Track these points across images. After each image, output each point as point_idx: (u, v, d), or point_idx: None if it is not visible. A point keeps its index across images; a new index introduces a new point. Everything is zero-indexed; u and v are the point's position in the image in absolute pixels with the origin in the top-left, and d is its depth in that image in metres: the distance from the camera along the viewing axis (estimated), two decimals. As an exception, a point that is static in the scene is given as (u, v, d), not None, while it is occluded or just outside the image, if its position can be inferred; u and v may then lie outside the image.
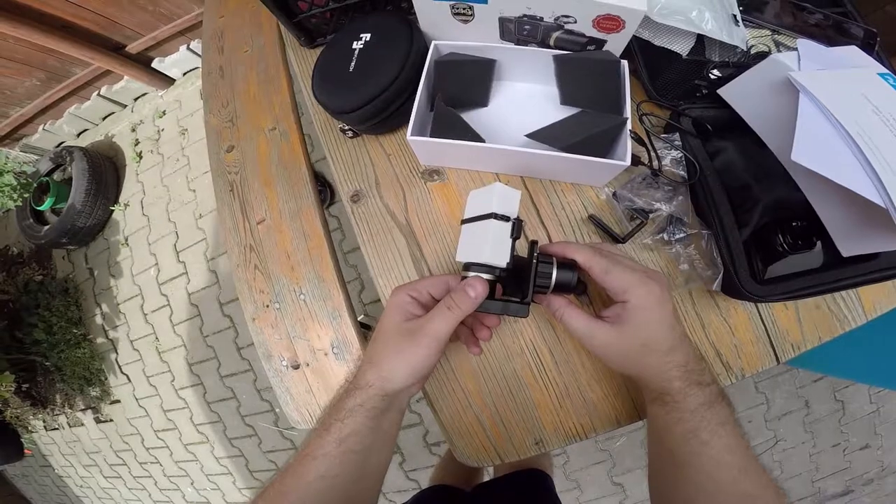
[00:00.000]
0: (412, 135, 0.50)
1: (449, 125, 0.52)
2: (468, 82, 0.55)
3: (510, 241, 0.40)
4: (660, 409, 0.39)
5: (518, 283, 0.43)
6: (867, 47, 0.50)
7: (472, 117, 0.57)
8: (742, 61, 0.50)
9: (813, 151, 0.37)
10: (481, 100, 0.58)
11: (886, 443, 1.55)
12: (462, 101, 0.57)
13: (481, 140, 0.51)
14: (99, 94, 2.18)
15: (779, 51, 0.52)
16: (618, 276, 0.40)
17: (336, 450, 0.37)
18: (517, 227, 0.40)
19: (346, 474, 0.37)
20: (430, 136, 0.53)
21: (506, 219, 0.40)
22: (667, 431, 0.38)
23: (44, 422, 2.45)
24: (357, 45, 0.55)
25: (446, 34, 0.55)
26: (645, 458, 0.43)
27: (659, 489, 0.41)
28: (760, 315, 0.51)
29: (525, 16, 0.48)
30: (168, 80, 2.21)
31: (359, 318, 0.64)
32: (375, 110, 0.53)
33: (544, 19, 0.48)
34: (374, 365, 0.40)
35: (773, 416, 1.55)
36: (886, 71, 0.43)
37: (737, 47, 0.49)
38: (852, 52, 0.46)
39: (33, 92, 2.06)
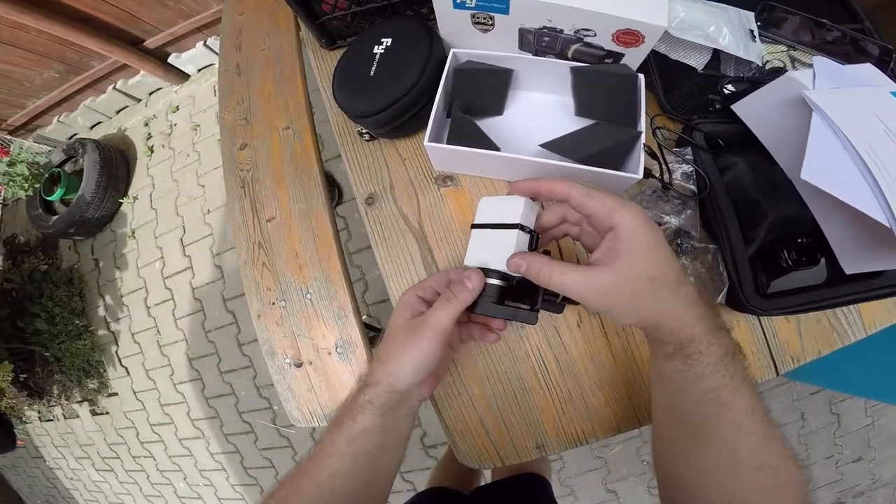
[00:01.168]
0: (429, 141, 0.51)
1: (465, 132, 0.53)
2: (485, 91, 0.57)
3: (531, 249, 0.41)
4: (679, 364, 0.34)
5: (528, 290, 0.44)
6: (883, 64, 0.51)
7: (488, 125, 0.57)
8: (756, 77, 0.51)
9: (822, 170, 0.38)
10: (497, 108, 0.59)
11: (879, 456, 1.55)
12: (478, 109, 0.58)
13: (496, 149, 0.52)
14: (114, 88, 2.21)
15: (794, 67, 0.53)
16: (600, 197, 0.35)
17: (347, 448, 0.37)
18: (536, 240, 0.41)
19: (357, 474, 0.38)
20: (447, 143, 0.53)
21: (529, 231, 0.40)
22: (683, 392, 0.34)
23: (39, 413, 2.46)
24: (378, 50, 0.56)
25: (465, 42, 0.56)
26: (639, 465, 0.43)
27: (667, 459, 0.38)
28: (762, 327, 0.52)
29: (545, 27, 0.50)
30: (183, 76, 2.23)
31: (362, 318, 0.65)
32: (394, 115, 0.54)
33: (564, 31, 0.49)
34: (382, 362, 0.41)
35: (769, 427, 1.55)
36: (900, 89, 0.43)
37: (752, 62, 0.50)
38: (867, 70, 0.47)
39: (50, 84, 2.09)
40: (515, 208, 0.40)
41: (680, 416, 0.35)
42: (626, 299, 0.34)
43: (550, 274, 0.35)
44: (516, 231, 0.39)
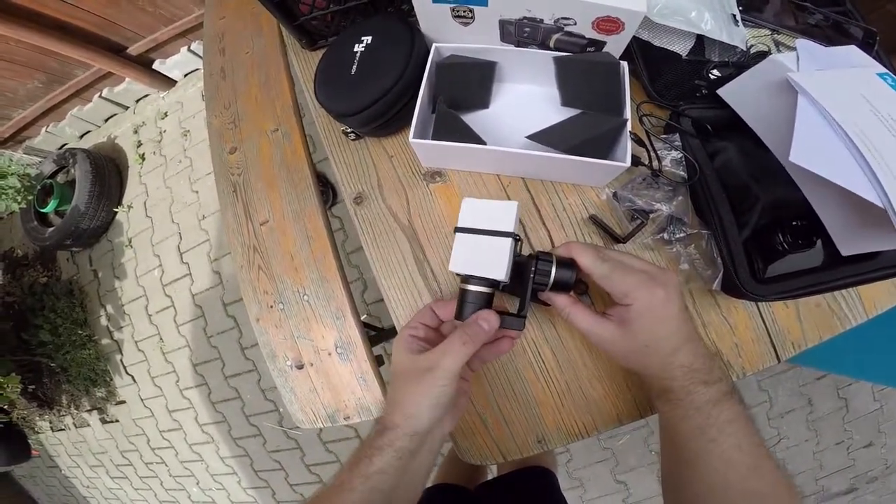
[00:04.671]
0: (414, 137, 0.51)
1: (451, 127, 0.52)
2: (469, 84, 0.56)
3: (514, 255, 0.42)
4: (664, 405, 0.40)
5: (517, 283, 0.44)
6: (867, 46, 0.50)
7: (474, 119, 0.57)
8: (741, 61, 0.50)
9: (811, 152, 0.37)
10: (482, 102, 0.58)
11: (890, 441, 1.55)
12: (463, 103, 0.57)
13: (482, 142, 0.51)
14: (101, 96, 2.19)
15: (778, 51, 0.52)
16: (618, 281, 0.40)
17: (361, 486, 0.37)
18: (519, 244, 0.43)
19: None
20: (432, 139, 0.53)
21: (517, 238, 0.42)
22: (674, 428, 0.39)
23: (50, 423, 2.48)
24: (358, 48, 0.55)
25: (447, 36, 0.55)
26: (647, 456, 0.44)
27: (670, 487, 0.42)
28: (761, 314, 0.52)
29: (525, 18, 0.49)
30: (169, 82, 2.21)
31: (362, 318, 0.65)
32: (377, 113, 0.53)
33: (544, 21, 0.48)
34: (398, 406, 0.40)
35: (777, 414, 1.55)
36: (885, 71, 0.42)
37: (736, 47, 0.49)
38: (851, 52, 0.46)
39: (35, 94, 2.06)
40: (507, 216, 0.41)
41: (676, 449, 0.40)
42: (620, 352, 0.42)
43: (570, 313, 0.43)
44: (510, 240, 0.40)
